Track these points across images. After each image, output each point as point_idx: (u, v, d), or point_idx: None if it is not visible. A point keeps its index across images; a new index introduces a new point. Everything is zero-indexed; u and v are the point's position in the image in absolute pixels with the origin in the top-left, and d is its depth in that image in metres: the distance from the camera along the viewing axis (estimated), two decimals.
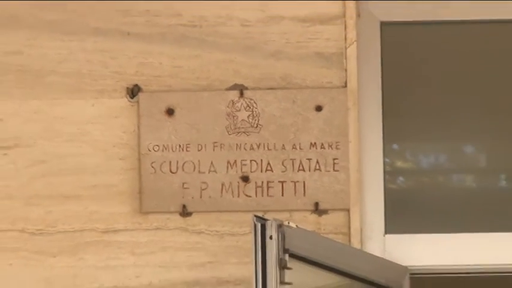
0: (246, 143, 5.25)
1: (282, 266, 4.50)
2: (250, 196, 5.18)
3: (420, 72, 5.74)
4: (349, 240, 5.18)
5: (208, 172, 5.21)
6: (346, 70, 5.26)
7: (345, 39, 5.38)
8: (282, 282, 4.48)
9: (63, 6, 5.46)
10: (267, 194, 5.24)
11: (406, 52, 5.75)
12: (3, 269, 5.19)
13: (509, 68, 5.72)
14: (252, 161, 5.27)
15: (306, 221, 5.09)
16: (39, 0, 5.44)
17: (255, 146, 5.26)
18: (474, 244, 5.55)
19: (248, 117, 5.23)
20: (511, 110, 5.85)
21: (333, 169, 5.20)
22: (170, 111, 5.15)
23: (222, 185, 5.18)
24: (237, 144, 5.23)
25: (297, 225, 4.70)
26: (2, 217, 5.14)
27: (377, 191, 5.50)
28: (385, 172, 5.43)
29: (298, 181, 5.20)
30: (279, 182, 5.23)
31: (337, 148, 5.22)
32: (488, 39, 5.80)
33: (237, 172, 5.19)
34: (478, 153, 6.19)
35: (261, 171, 5.29)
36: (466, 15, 5.62)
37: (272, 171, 5.25)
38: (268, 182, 5.23)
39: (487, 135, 5.90)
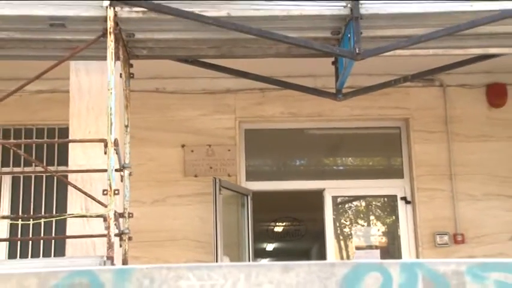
0: (213, 154, 7.34)
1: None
2: (211, 168, 7.28)
3: (257, 140, 7.77)
4: (237, 183, 7.42)
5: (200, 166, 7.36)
6: (236, 139, 7.49)
7: (236, 129, 7.54)
8: None
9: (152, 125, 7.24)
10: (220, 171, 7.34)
11: (253, 134, 7.79)
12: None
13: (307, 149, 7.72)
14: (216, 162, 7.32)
15: (226, 179, 7.26)
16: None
17: (207, 155, 7.36)
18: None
19: (208, 151, 7.36)
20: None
21: (232, 165, 7.45)
22: (192, 151, 7.38)
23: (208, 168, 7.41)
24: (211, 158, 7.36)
25: (224, 179, 7.04)
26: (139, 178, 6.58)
27: (242, 165, 7.59)
28: (246, 166, 7.70)
29: (225, 168, 7.37)
30: (221, 165, 7.36)
31: (230, 153, 7.42)
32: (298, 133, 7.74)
33: (209, 165, 7.38)
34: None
35: (216, 166, 7.32)
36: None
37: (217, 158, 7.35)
38: (216, 166, 7.35)
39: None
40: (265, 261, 15.68)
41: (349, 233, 7.82)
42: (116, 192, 4.32)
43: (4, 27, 4.70)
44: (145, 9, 4.60)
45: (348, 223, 7.91)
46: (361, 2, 4.63)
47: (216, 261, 6.51)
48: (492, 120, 7.43)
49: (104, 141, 4.39)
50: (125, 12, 4.61)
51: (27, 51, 4.91)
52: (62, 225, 5.31)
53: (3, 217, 6.51)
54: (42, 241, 6.82)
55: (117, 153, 4.55)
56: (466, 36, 4.92)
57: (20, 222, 6.06)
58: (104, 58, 4.50)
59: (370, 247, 7.53)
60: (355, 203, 7.95)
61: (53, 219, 5.15)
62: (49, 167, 5.95)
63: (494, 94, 7.38)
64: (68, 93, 5.31)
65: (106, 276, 1.69)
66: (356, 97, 5.64)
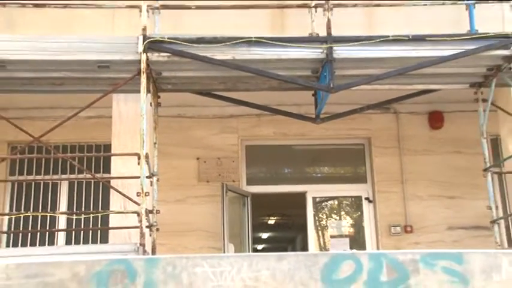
0: (221, 164, 6.95)
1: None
2: (220, 175, 6.95)
3: (255, 154, 7.39)
4: (239, 186, 7.10)
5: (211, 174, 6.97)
6: (238, 153, 7.15)
7: (238, 145, 7.16)
8: None
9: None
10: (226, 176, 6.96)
11: (252, 149, 7.39)
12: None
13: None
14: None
15: (231, 183, 6.92)
16: None
17: (216, 165, 6.95)
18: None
19: (217, 162, 6.95)
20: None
21: (235, 173, 7.09)
22: (205, 162, 7.00)
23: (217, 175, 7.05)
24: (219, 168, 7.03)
25: (229, 184, 6.74)
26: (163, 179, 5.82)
27: (243, 173, 7.24)
28: (246, 173, 7.29)
29: (230, 175, 7.10)
30: (227, 172, 7.03)
31: (234, 164, 7.07)
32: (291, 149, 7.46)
33: (218, 173, 6.95)
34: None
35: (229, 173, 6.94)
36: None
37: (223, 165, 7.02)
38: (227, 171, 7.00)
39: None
40: (261, 248, 15.64)
41: (325, 225, 7.70)
42: (147, 194, 4.32)
43: (63, 69, 4.91)
44: (170, 54, 4.72)
45: (324, 217, 7.78)
46: (334, 48, 4.71)
47: (223, 248, 6.36)
48: (433, 139, 7.33)
49: (138, 155, 4.36)
50: (154, 56, 4.74)
51: (80, 87, 5.02)
52: (105, 219, 5.29)
53: (62, 213, 6.55)
54: (91, 231, 6.74)
55: (147, 164, 4.54)
56: (413, 76, 5.00)
57: (74, 217, 6.07)
58: (138, 91, 4.57)
59: (341, 236, 7.43)
60: (330, 202, 7.80)
61: (99, 215, 5.24)
62: (96, 175, 6.05)
63: (434, 119, 7.35)
64: (111, 118, 5.34)
65: (138, 264, 1.64)
66: (330, 121, 5.62)
